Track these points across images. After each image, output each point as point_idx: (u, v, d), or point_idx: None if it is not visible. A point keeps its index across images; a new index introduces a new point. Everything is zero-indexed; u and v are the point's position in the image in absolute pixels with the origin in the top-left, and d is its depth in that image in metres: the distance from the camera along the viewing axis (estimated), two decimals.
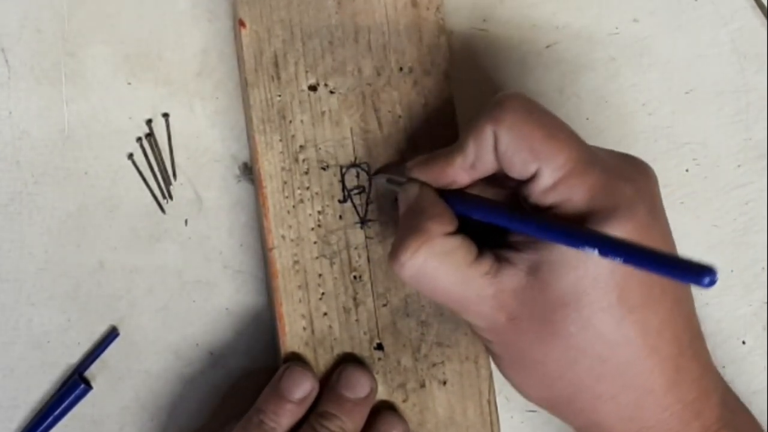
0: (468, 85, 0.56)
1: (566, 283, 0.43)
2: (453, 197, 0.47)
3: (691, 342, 0.45)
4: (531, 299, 0.44)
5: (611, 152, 0.46)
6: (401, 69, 0.53)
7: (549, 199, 0.44)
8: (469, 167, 0.46)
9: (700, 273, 0.36)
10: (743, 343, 0.59)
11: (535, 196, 0.44)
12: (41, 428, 0.55)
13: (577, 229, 0.42)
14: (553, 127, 0.44)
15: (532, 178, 0.44)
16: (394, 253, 0.45)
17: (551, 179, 0.43)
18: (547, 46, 0.58)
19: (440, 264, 0.45)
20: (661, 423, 0.45)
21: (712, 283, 0.35)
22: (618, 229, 0.42)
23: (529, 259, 0.44)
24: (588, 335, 0.43)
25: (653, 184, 0.46)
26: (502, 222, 0.45)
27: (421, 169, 0.48)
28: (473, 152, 0.46)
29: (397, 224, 0.53)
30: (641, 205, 0.43)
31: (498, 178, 0.47)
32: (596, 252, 0.39)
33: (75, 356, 0.56)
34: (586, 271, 0.43)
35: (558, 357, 0.44)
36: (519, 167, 0.44)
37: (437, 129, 0.53)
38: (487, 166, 0.46)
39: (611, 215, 0.42)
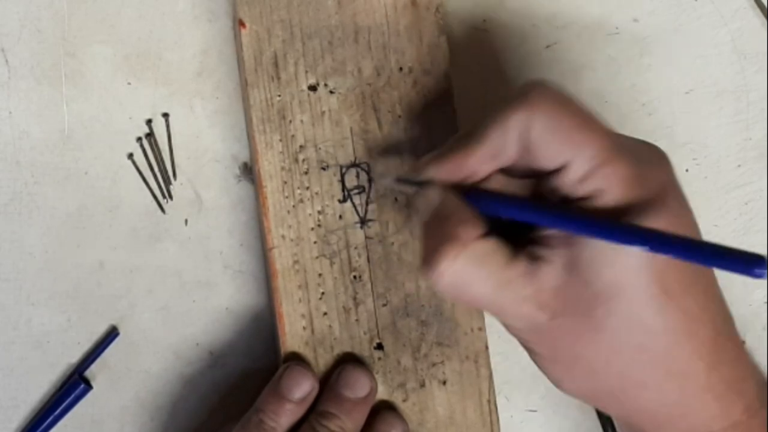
0: (468, 85, 0.56)
1: (607, 278, 0.42)
2: (476, 197, 0.45)
3: (725, 323, 0.45)
4: (572, 296, 0.43)
5: (633, 139, 0.45)
6: (401, 69, 0.53)
7: (581, 191, 0.42)
8: (490, 157, 0.44)
9: (752, 263, 0.35)
10: (743, 343, 0.59)
11: (567, 187, 0.43)
12: (41, 428, 0.55)
13: (623, 225, 0.41)
14: (586, 116, 0.43)
15: (561, 168, 0.43)
16: (430, 263, 0.43)
17: (584, 169, 0.42)
18: (547, 46, 0.58)
19: (478, 269, 0.43)
20: (704, 405, 0.44)
21: (763, 273, 0.35)
22: (654, 221, 0.41)
23: (565, 255, 0.43)
24: (631, 327, 0.43)
25: (673, 172, 0.45)
26: (539, 220, 0.43)
27: (438, 164, 0.46)
28: (497, 141, 0.44)
29: (398, 225, 0.53)
30: (671, 194, 0.43)
31: (514, 169, 0.45)
32: (647, 249, 0.39)
33: (75, 356, 0.56)
34: (626, 265, 0.42)
35: (601, 350, 0.44)
36: (548, 156, 0.43)
37: (437, 129, 0.53)
38: (510, 154, 0.44)
39: (647, 207, 0.41)
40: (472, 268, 0.43)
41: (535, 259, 0.43)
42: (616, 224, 0.41)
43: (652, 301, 0.42)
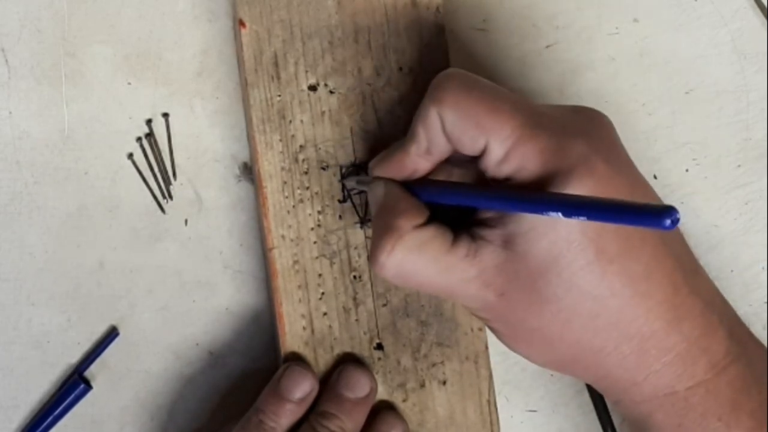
0: None
1: (541, 250, 0.43)
2: (418, 187, 0.47)
3: (686, 279, 0.45)
4: (513, 272, 0.44)
5: (562, 108, 0.46)
6: (401, 69, 0.53)
7: (504, 171, 0.44)
8: (424, 153, 0.47)
9: (661, 215, 0.35)
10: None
11: (491, 169, 0.44)
12: (41, 428, 0.55)
13: (536, 195, 0.42)
14: (495, 99, 0.44)
15: (484, 152, 0.44)
16: (372, 256, 0.46)
17: (501, 151, 0.44)
18: (547, 46, 0.58)
19: (418, 257, 0.45)
20: (667, 366, 0.45)
21: (674, 223, 0.35)
22: (579, 188, 0.42)
23: (502, 233, 0.44)
24: (574, 295, 0.43)
25: (608, 132, 0.46)
26: (466, 202, 0.45)
27: (382, 165, 0.48)
28: (424, 138, 0.46)
29: None
30: (598, 158, 0.43)
31: (462, 159, 0.47)
32: (560, 215, 0.39)
33: (75, 356, 0.56)
34: (558, 235, 0.43)
35: (552, 321, 0.44)
36: (468, 144, 0.45)
37: None
38: (441, 148, 0.46)
39: (569, 175, 0.42)
40: (412, 257, 0.45)
41: (475, 240, 0.45)
42: (527, 195, 0.42)
43: (591, 267, 0.43)
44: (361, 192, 0.53)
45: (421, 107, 0.46)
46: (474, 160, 0.46)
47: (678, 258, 0.45)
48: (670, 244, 0.45)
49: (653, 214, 0.35)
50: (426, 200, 0.47)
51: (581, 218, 0.39)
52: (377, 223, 0.46)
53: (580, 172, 0.42)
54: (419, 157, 0.47)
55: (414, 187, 0.47)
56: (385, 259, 0.45)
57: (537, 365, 0.48)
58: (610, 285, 0.43)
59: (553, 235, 0.43)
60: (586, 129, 0.45)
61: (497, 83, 0.57)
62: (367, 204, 0.53)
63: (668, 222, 0.35)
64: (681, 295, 0.45)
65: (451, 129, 0.45)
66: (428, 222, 0.46)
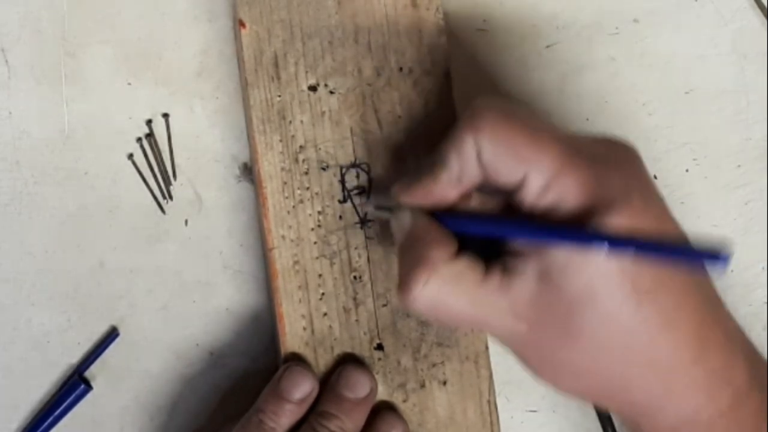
0: (468, 85, 0.56)
1: (579, 284, 0.42)
2: (446, 216, 0.46)
3: (710, 310, 0.45)
4: (547, 305, 0.43)
5: (593, 139, 0.46)
6: (401, 69, 0.53)
7: (543, 203, 0.43)
8: (455, 181, 0.45)
9: (713, 257, 0.35)
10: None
11: (529, 201, 0.44)
12: (41, 428, 0.55)
13: (581, 230, 0.41)
14: (534, 128, 0.44)
15: (521, 183, 0.43)
16: (404, 288, 0.44)
17: (541, 181, 0.43)
18: (547, 46, 0.58)
19: (452, 289, 0.44)
20: (691, 396, 0.45)
21: (726, 265, 0.35)
22: (618, 220, 0.42)
23: (537, 265, 0.43)
24: (609, 328, 0.43)
25: (640, 165, 0.45)
26: (503, 233, 0.44)
27: (408, 192, 0.47)
28: (457, 165, 0.45)
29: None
30: (634, 191, 0.43)
31: (486, 186, 0.46)
32: (605, 249, 0.39)
33: (75, 356, 0.56)
34: (597, 269, 0.42)
35: (584, 354, 0.44)
36: (506, 174, 0.44)
37: (437, 129, 0.53)
38: (472, 177, 0.45)
39: (608, 209, 0.42)
40: (445, 289, 0.44)
41: (508, 271, 0.44)
42: (571, 229, 0.42)
43: (627, 300, 0.43)
44: (361, 192, 0.53)
45: (455, 135, 0.45)
46: (503, 189, 0.45)
47: (704, 289, 0.45)
48: (694, 279, 0.45)
49: (705, 256, 0.35)
50: (454, 230, 0.45)
51: (627, 255, 0.38)
52: (406, 254, 0.45)
53: (619, 206, 0.42)
54: (449, 185, 0.46)
55: (441, 216, 0.46)
56: (419, 291, 0.44)
57: (559, 393, 0.47)
58: (642, 318, 0.43)
59: (593, 269, 0.42)
60: (620, 161, 0.44)
61: (497, 83, 0.57)
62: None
63: (721, 264, 0.35)
64: (706, 327, 0.44)
65: (489, 159, 0.44)
66: (458, 253, 0.45)
